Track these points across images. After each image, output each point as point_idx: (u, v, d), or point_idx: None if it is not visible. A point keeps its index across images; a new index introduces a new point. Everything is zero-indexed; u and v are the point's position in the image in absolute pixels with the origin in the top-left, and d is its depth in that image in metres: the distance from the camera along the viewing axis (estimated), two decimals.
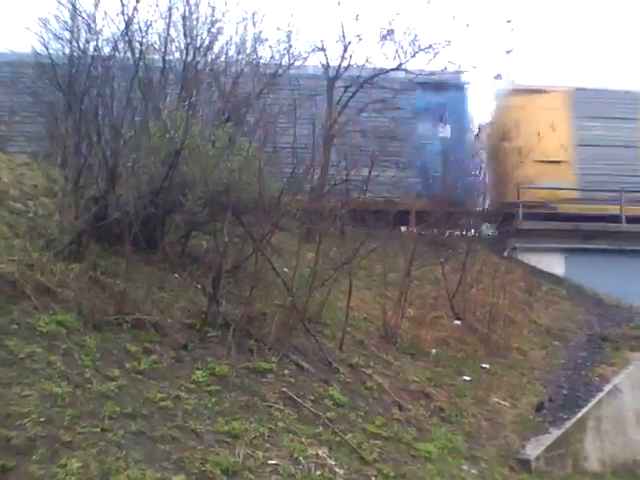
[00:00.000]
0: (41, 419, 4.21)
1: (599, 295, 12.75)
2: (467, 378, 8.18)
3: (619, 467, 8.20)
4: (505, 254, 13.54)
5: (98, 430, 4.33)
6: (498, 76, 13.20)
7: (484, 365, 8.71)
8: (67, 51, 7.73)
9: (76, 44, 7.55)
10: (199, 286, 7.18)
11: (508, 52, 12.98)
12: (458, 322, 9.71)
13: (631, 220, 14.30)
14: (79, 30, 7.62)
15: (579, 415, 8.01)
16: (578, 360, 9.67)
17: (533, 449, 7.16)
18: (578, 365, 9.48)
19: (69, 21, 7.75)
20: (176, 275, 7.24)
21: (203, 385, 5.41)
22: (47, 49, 7.72)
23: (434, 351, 8.59)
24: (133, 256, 6.45)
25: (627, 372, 9.14)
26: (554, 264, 13.89)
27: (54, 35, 7.84)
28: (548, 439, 7.42)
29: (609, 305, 12.33)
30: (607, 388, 8.66)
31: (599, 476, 7.77)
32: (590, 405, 8.25)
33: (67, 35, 7.73)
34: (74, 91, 7.23)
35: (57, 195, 7.38)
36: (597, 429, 8.21)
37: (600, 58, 34.82)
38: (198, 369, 5.62)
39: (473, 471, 6.12)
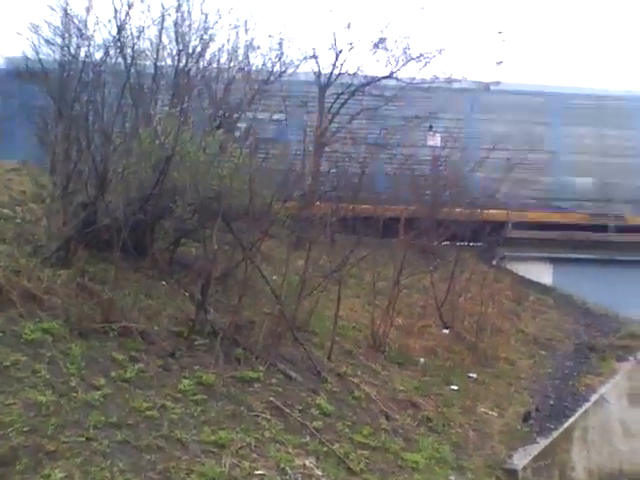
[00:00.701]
0: (25, 428, 4.18)
1: (587, 304, 12.79)
2: (455, 387, 8.19)
3: (605, 477, 8.26)
4: (494, 263, 13.57)
5: (83, 439, 4.30)
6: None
7: (472, 374, 8.72)
8: (58, 56, 7.70)
9: (67, 49, 7.53)
10: (187, 294, 7.16)
11: (499, 63, 13.07)
12: (446, 331, 9.73)
13: None
14: (70, 35, 7.60)
15: (566, 425, 8.05)
16: (565, 370, 9.72)
17: (520, 459, 7.18)
18: (565, 375, 9.52)
19: (60, 26, 7.72)
20: (164, 282, 7.21)
21: (189, 394, 5.38)
22: (38, 54, 7.68)
23: (422, 360, 8.60)
24: (122, 263, 6.43)
25: (614, 382, 9.21)
26: (542, 273, 13.94)
27: (45, 40, 7.80)
28: (535, 449, 7.44)
29: (597, 315, 12.38)
30: (594, 398, 8.73)
31: None
32: (577, 415, 8.30)
33: (58, 40, 7.70)
34: (64, 97, 7.21)
35: (45, 201, 7.34)
36: (584, 439, 8.26)
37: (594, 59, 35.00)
38: (185, 378, 5.59)
39: None
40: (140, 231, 7.09)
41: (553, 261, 14.11)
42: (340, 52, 12.18)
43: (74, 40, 7.57)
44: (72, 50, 7.50)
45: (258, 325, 6.85)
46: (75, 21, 7.58)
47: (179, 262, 7.85)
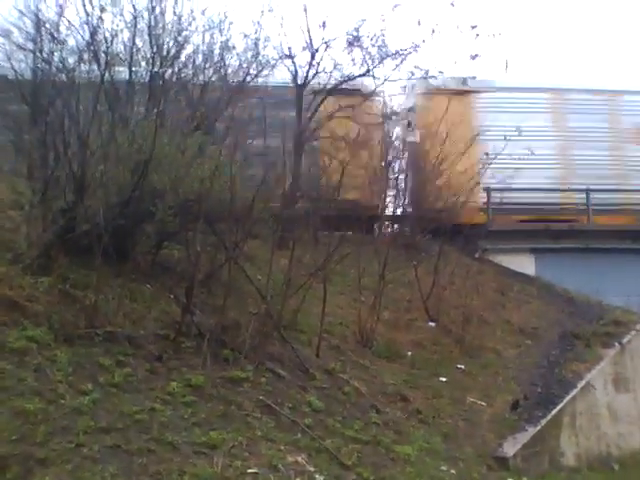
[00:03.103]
0: (13, 436, 4.13)
1: (569, 293, 12.91)
2: (443, 379, 8.23)
3: (594, 460, 8.36)
4: (476, 255, 13.67)
5: (72, 446, 4.25)
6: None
7: (459, 366, 8.78)
8: (31, 62, 7.62)
9: (40, 54, 7.45)
10: (172, 296, 7.10)
11: (473, 57, 13.08)
12: (432, 324, 9.78)
13: None
14: (42, 40, 7.52)
15: (554, 412, 8.13)
16: (551, 358, 9.81)
17: (510, 447, 7.24)
18: (551, 363, 9.62)
19: (32, 31, 7.64)
20: (148, 286, 7.14)
21: (179, 396, 5.34)
22: (10, 60, 7.59)
23: (410, 353, 8.63)
24: (103, 268, 6.34)
25: (599, 368, 9.33)
26: (525, 264, 14.08)
27: (17, 46, 7.71)
28: (524, 437, 7.51)
29: (580, 303, 12.49)
30: (580, 384, 8.83)
31: (575, 471, 7.90)
32: (564, 402, 8.39)
33: (30, 45, 7.62)
34: (39, 102, 7.12)
35: (24, 208, 7.23)
36: (572, 425, 8.35)
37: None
38: (173, 380, 5.54)
39: (452, 471, 6.15)
40: (121, 235, 6.99)
41: (534, 251, 14.27)
42: (316, 51, 12.18)
43: (46, 45, 7.50)
44: (45, 55, 7.43)
45: (245, 325, 6.80)
46: (47, 25, 7.51)
47: (162, 265, 7.77)
